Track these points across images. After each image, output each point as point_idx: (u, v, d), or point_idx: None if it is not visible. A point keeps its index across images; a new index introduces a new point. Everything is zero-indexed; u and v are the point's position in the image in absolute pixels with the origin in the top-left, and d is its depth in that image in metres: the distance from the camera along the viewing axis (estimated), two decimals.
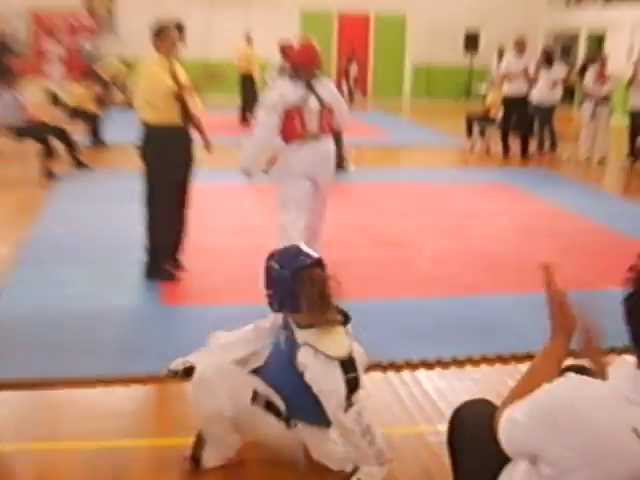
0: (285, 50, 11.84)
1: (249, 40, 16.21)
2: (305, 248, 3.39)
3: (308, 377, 3.18)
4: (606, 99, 12.53)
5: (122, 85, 17.53)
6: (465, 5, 21.39)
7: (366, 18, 22.31)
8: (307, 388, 3.20)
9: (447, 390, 4.31)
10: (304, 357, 3.19)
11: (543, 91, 12.66)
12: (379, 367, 4.51)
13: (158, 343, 4.81)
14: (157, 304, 5.62)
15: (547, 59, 12.92)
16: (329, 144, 6.15)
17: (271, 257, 3.33)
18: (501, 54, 16.50)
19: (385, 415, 4.03)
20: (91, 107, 12.50)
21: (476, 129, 13.57)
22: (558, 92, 12.99)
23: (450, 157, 13.19)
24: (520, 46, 12.74)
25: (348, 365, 3.15)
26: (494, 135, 13.30)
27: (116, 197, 8.79)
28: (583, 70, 14.26)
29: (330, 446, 3.42)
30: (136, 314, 5.43)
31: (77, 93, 12.50)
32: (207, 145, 6.19)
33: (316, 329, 3.22)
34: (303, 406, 3.29)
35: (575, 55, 21.13)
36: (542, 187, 10.31)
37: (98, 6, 19.89)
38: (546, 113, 12.90)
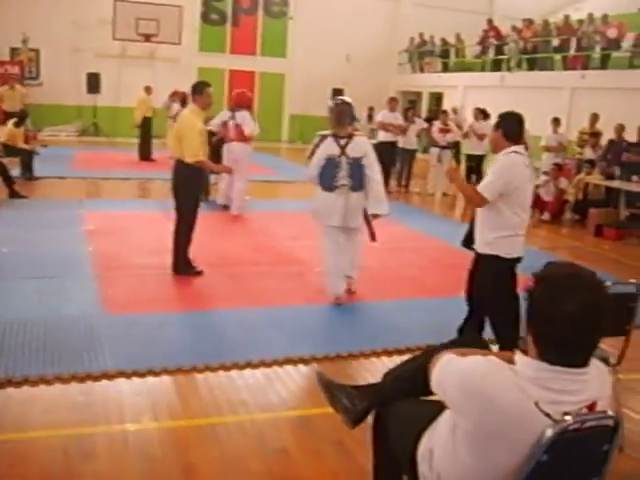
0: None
1: (148, 90, 15.90)
2: None
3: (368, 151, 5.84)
4: (448, 146, 13.19)
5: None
6: (332, 68, 21.92)
7: (252, 74, 22.49)
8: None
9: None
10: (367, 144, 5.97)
11: (409, 138, 13.18)
12: (291, 361, 4.66)
13: (104, 345, 4.76)
14: (100, 312, 5.47)
15: (411, 114, 13.53)
16: None
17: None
18: (370, 109, 17.11)
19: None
20: (22, 145, 12.01)
21: None
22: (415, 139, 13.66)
23: None
24: (393, 103, 13.21)
25: None
26: None
27: (50, 222, 8.53)
28: (427, 121, 14.82)
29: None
30: (82, 322, 5.21)
31: (8, 132, 11.96)
32: None
33: None
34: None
35: (419, 109, 21.99)
36: (401, 216, 10.64)
37: (24, 57, 19.10)
38: (411, 155, 13.39)
